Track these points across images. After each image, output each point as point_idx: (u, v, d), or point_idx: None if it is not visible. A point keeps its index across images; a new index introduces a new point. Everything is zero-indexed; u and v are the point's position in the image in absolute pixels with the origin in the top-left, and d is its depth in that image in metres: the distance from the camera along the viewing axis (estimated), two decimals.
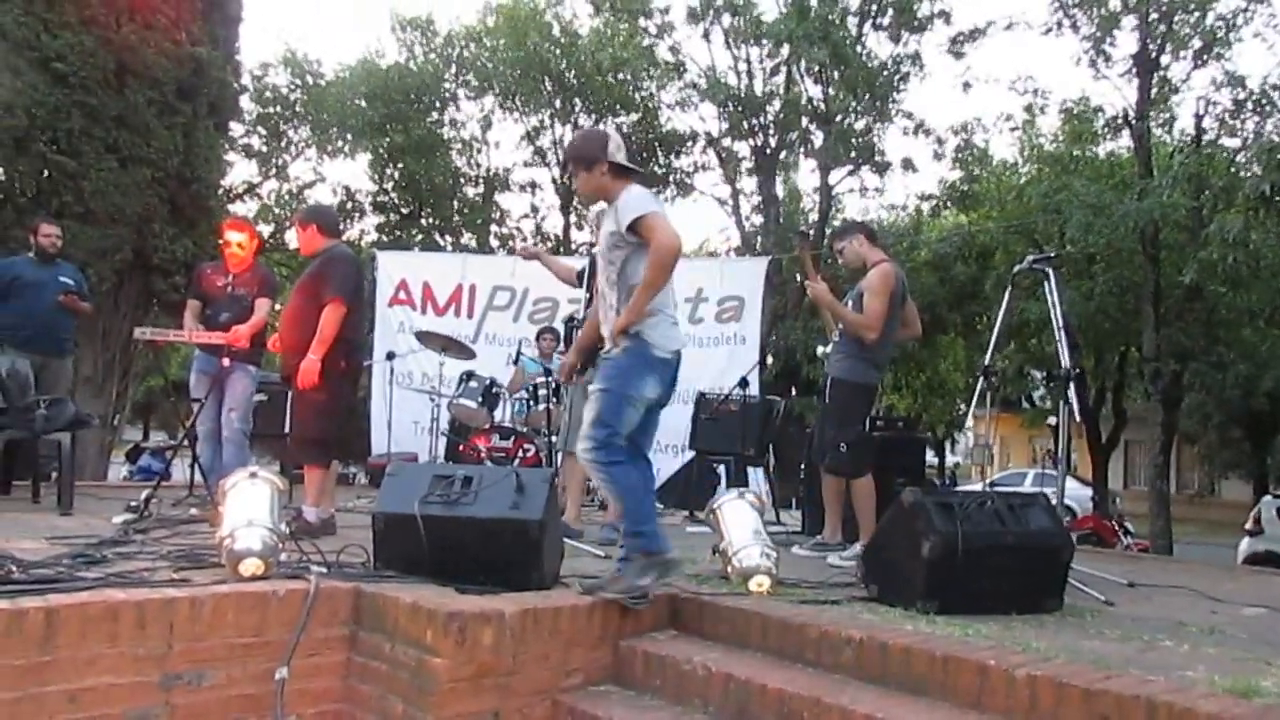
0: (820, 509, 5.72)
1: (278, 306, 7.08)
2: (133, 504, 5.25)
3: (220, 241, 6.14)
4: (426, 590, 3.39)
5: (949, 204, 17.65)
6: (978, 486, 18.25)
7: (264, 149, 20.08)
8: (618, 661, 3.38)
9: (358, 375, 5.37)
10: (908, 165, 16.97)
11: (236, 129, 17.59)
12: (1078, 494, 21.69)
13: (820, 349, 5.68)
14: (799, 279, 6.21)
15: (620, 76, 17.58)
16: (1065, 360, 4.70)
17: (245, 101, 17.81)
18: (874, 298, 4.97)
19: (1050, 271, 4.90)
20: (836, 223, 16.74)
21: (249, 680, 3.18)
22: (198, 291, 6.04)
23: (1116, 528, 16.34)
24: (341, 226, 21.38)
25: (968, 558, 3.55)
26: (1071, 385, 4.63)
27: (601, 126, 13.69)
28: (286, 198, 20.48)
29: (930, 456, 35.60)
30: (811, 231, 15.28)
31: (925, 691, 2.76)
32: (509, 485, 3.77)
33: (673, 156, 20.24)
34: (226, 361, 5.56)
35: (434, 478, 3.87)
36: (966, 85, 15.38)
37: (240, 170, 20.51)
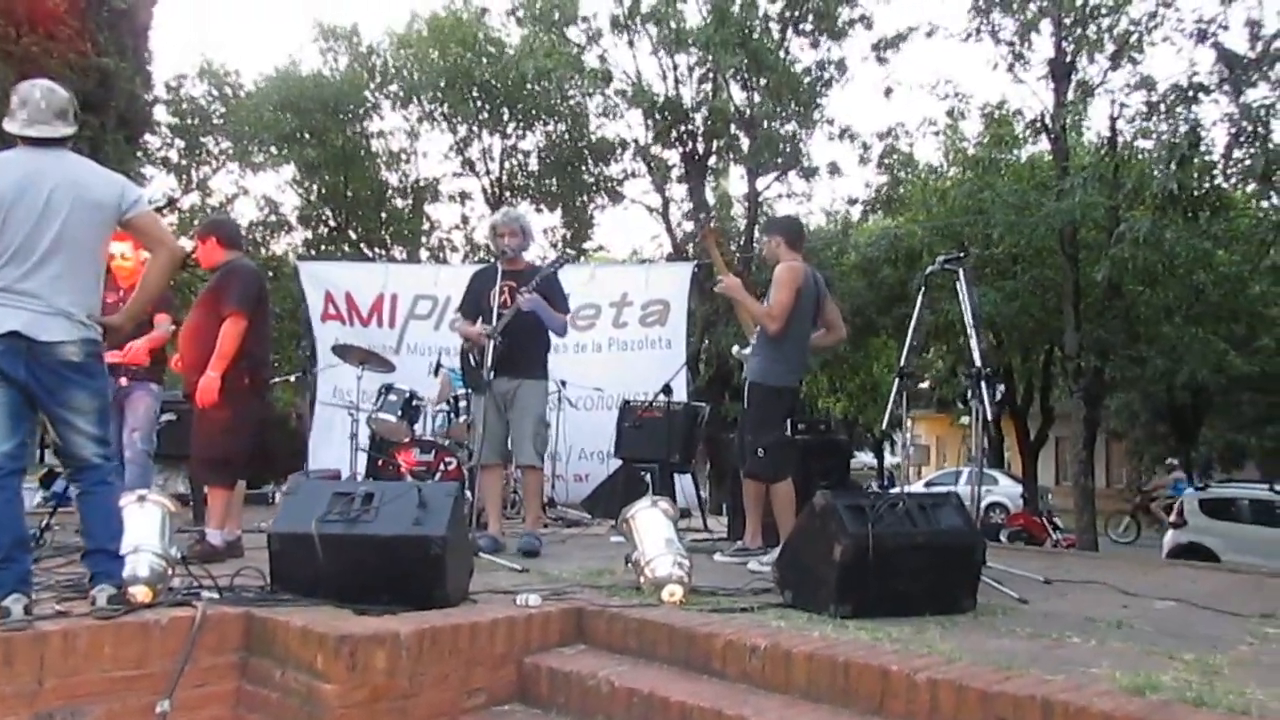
0: (743, 515, 5.68)
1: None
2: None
3: None
4: (321, 613, 3.26)
5: (876, 208, 17.85)
6: (916, 487, 18.47)
7: (182, 162, 19.58)
8: (522, 679, 3.28)
9: (264, 391, 5.18)
10: (834, 170, 17.11)
11: (152, 141, 17.16)
12: (1011, 491, 22.14)
13: (736, 349, 5.64)
14: (709, 284, 6.18)
15: (546, 85, 17.48)
16: (976, 359, 4.72)
17: (160, 113, 17.37)
18: (779, 290, 4.92)
19: (961, 272, 4.92)
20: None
21: (130, 715, 3.02)
22: None
23: (1046, 524, 16.68)
24: (268, 241, 21.23)
25: (880, 559, 3.52)
26: (982, 383, 4.64)
27: None
28: (208, 212, 19.97)
29: (869, 458, 36.07)
30: (714, 219, 15.30)
31: (828, 699, 2.71)
32: (411, 501, 3.66)
33: (602, 165, 20.21)
34: (124, 381, 5.34)
35: (334, 495, 3.74)
36: (889, 90, 15.52)
37: (160, 184, 20.00)
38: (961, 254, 5.32)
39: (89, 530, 3.33)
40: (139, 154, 14.29)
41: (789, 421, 5.33)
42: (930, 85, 15.51)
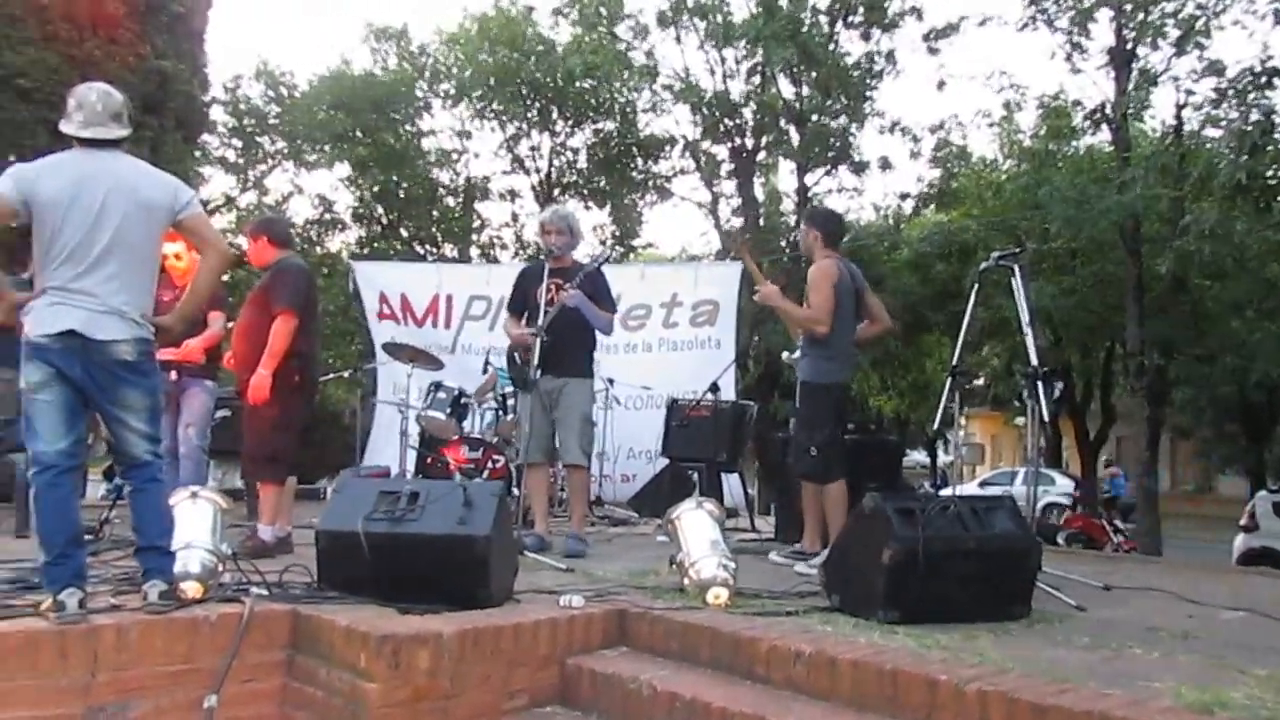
0: (792, 515, 5.62)
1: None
2: (88, 525, 5.11)
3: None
4: (366, 611, 3.27)
5: (928, 202, 17.60)
6: (969, 487, 18.12)
7: (239, 161, 19.95)
8: (564, 681, 3.26)
9: (313, 389, 5.23)
10: (885, 164, 16.93)
11: (210, 141, 17.50)
12: (1070, 492, 21.63)
13: (786, 355, 5.58)
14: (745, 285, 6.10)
15: (593, 82, 17.50)
16: (1033, 357, 4.61)
17: (218, 113, 17.71)
18: (815, 292, 4.92)
19: (1016, 268, 4.81)
20: None
21: (177, 710, 3.05)
22: None
23: (1106, 526, 16.27)
24: (322, 239, 21.55)
25: (929, 565, 3.44)
26: (1039, 382, 4.53)
27: None
28: (264, 210, 20.32)
29: (923, 457, 35.59)
30: (749, 231, 15.20)
31: (874, 708, 2.65)
32: (456, 500, 3.65)
33: (651, 161, 20.17)
34: (174, 376, 5.42)
35: (380, 494, 3.75)
36: (941, 83, 15.29)
37: (218, 183, 20.40)
38: (1018, 249, 5.21)
39: (141, 527, 3.38)
40: (197, 154, 14.56)
41: (840, 420, 5.27)
42: (984, 77, 15.24)
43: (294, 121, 19.17)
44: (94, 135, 3.34)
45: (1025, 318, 4.71)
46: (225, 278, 7.79)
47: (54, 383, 3.17)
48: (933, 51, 15.75)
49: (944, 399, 5.06)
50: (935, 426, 5.16)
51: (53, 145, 3.45)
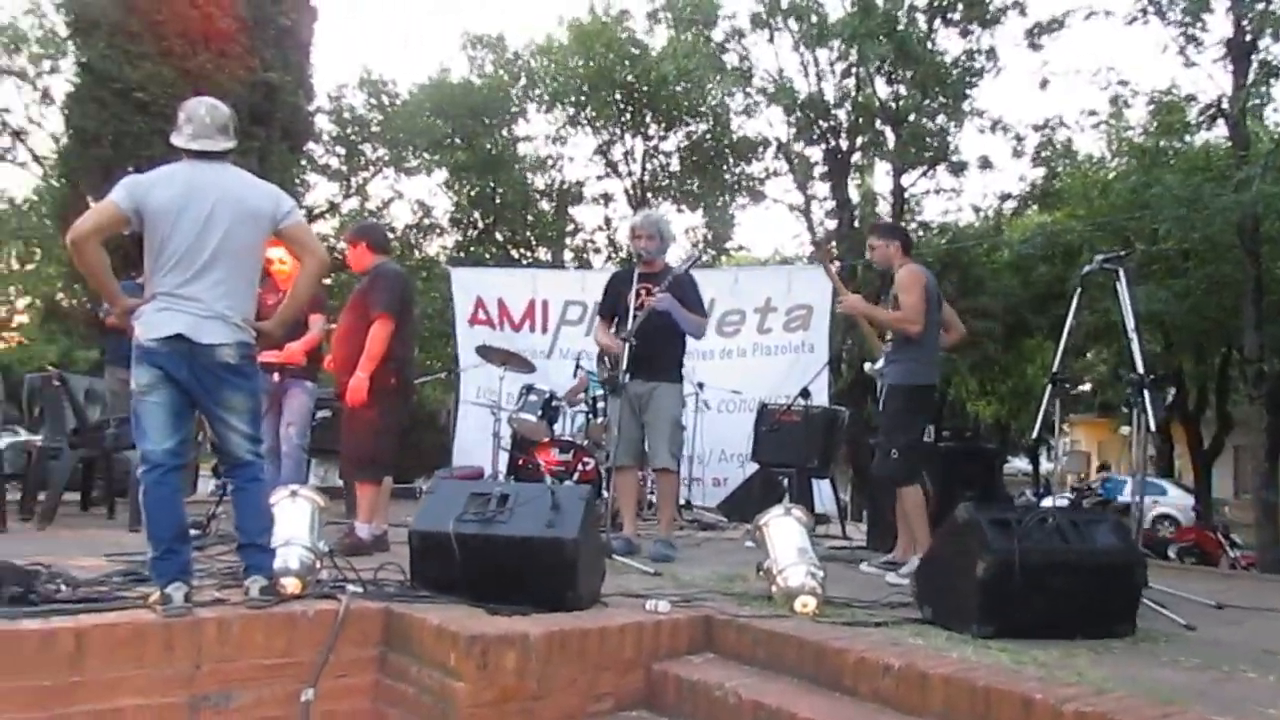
0: (884, 522, 5.53)
1: None
2: (195, 521, 5.33)
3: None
4: (456, 611, 3.33)
5: (1030, 203, 17.07)
6: (1070, 497, 17.49)
7: (343, 168, 20.57)
8: (650, 686, 3.26)
9: (409, 392, 5.36)
10: (985, 164, 16.49)
11: (315, 150, 18.09)
12: (1182, 503, 20.68)
13: (868, 365, 5.51)
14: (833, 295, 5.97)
15: (687, 85, 17.51)
16: (1138, 364, 4.43)
17: (322, 122, 18.30)
18: (908, 293, 4.89)
19: (1121, 271, 4.63)
20: (913, 226, 16.36)
21: (277, 702, 3.15)
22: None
23: (1221, 540, 15.49)
24: (420, 243, 22.06)
25: (1026, 578, 3.33)
26: (1145, 391, 4.35)
27: None
28: (366, 216, 20.92)
29: (1025, 464, 34.50)
30: (833, 241, 14.94)
31: None
32: (545, 503, 3.69)
33: (743, 163, 20.08)
34: (277, 377, 5.61)
35: (471, 495, 3.81)
36: (1045, 81, 14.80)
37: (322, 190, 21.07)
38: (1123, 252, 5.03)
39: (242, 524, 3.51)
40: (302, 162, 15.07)
41: (928, 425, 5.20)
42: (1091, 73, 14.67)
43: (395, 129, 19.68)
44: (202, 147, 3.48)
45: (1130, 322, 4.54)
46: (327, 281, 8.10)
47: (162, 385, 3.31)
48: (1035, 48, 15.26)
49: (1044, 405, 4.91)
50: (1035, 434, 4.99)
51: (167, 156, 3.60)
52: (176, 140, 3.53)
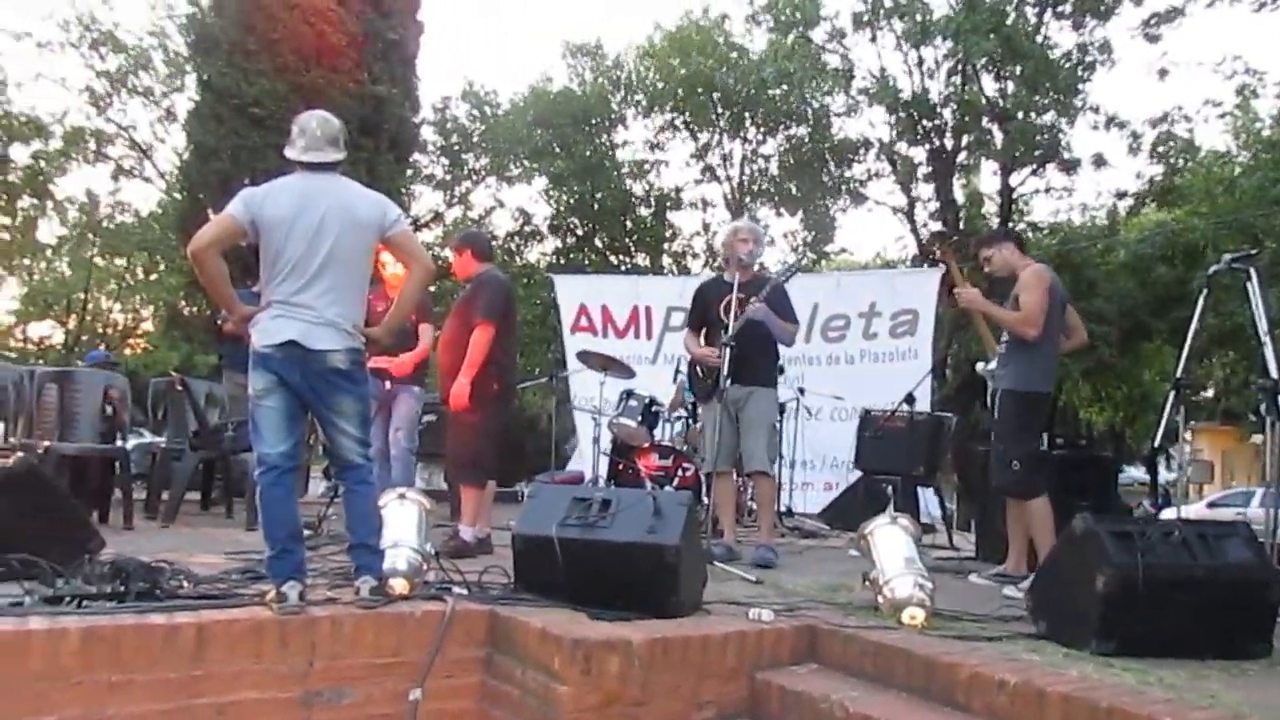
0: (993, 532, 5.35)
1: None
2: (308, 521, 5.50)
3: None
4: (559, 615, 3.34)
5: (1148, 201, 16.34)
6: (1196, 508, 16.60)
7: (446, 178, 21.07)
8: (753, 695, 3.21)
9: (511, 397, 5.43)
10: (1099, 162, 15.86)
11: (420, 160, 18.57)
12: None
13: (981, 366, 5.32)
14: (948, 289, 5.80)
15: (786, 88, 17.36)
16: (1272, 369, 4.18)
17: (428, 133, 18.77)
18: (1029, 293, 4.67)
19: (1253, 271, 4.38)
20: (1021, 226, 15.85)
21: (386, 700, 3.21)
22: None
23: None
24: (521, 250, 22.44)
25: (1150, 594, 3.16)
26: (1279, 398, 4.10)
27: None
28: (469, 224, 21.37)
29: (1141, 474, 33.09)
30: (956, 234, 14.52)
31: None
32: (646, 509, 3.68)
33: (844, 166, 19.81)
34: (388, 385, 5.75)
35: (573, 500, 3.82)
36: (1163, 72, 14.18)
37: (427, 199, 21.61)
38: (1253, 250, 4.75)
39: (352, 525, 3.60)
40: (408, 172, 15.47)
41: (1045, 432, 5.00)
42: (1215, 63, 14.00)
43: (497, 138, 20.07)
44: (313, 159, 3.59)
45: (1263, 325, 4.28)
46: (432, 289, 8.30)
47: (276, 389, 3.42)
48: (1152, 39, 14.64)
49: (1166, 412, 4.68)
50: (1157, 442, 4.74)
51: (282, 168, 3.73)
52: (290, 153, 3.65)
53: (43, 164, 19.89)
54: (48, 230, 22.15)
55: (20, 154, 20.00)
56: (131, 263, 23.62)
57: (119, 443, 6.14)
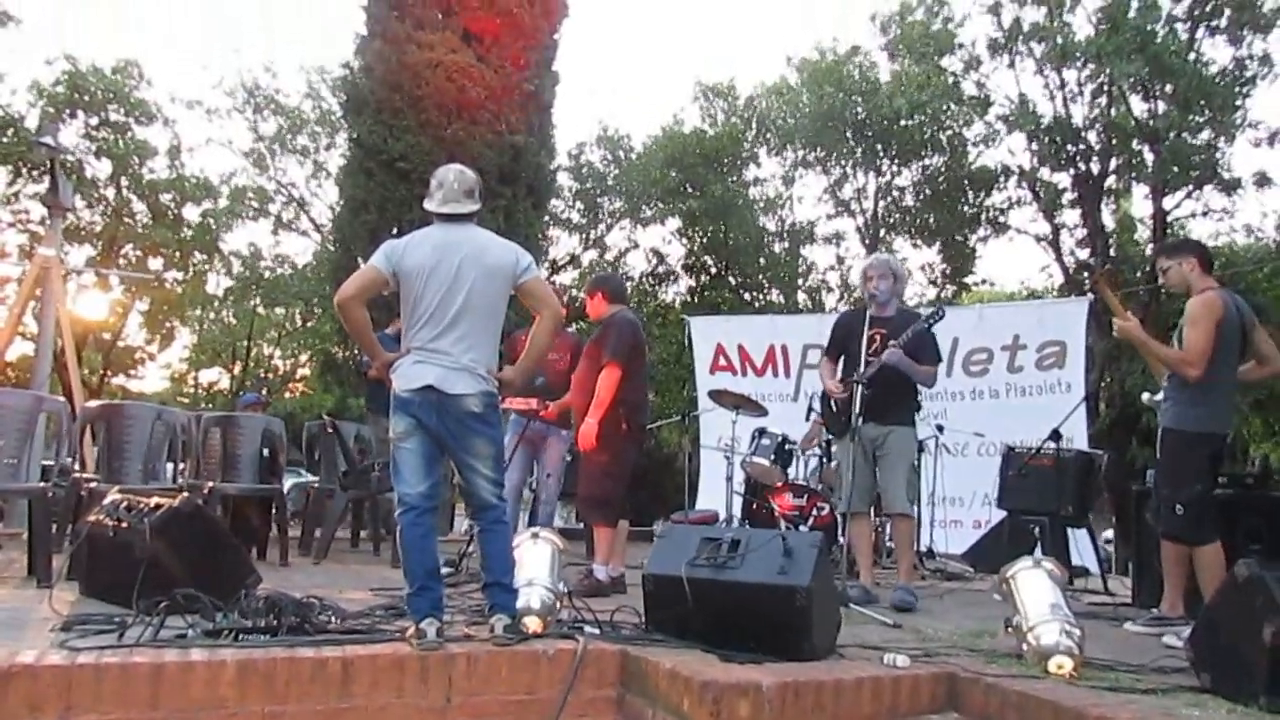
0: (1152, 576, 5.03)
1: None
2: (449, 559, 5.67)
3: None
4: (689, 656, 3.33)
5: None
6: None
7: (582, 222, 21.56)
8: None
9: (640, 436, 5.48)
10: (1262, 180, 14.89)
11: (557, 205, 19.08)
12: None
13: (1147, 396, 5.00)
14: (1106, 317, 5.50)
15: (920, 118, 17.05)
16: None
17: (564, 179, 19.29)
18: (1194, 328, 4.32)
19: None
20: None
21: None
22: (509, 356, 6.46)
23: None
24: (656, 290, 22.68)
25: None
26: None
27: None
28: (605, 266, 21.77)
29: None
30: (1108, 262, 13.80)
31: None
32: (776, 549, 3.64)
33: (983, 194, 19.26)
34: (539, 426, 5.87)
35: (703, 540, 3.82)
36: None
37: (563, 243, 22.17)
38: None
39: (487, 564, 3.69)
40: (545, 218, 15.92)
41: (1214, 474, 4.63)
42: None
43: (630, 180, 20.44)
44: (450, 210, 3.76)
45: None
46: (571, 330, 8.48)
47: (416, 432, 3.57)
48: None
49: None
50: None
51: (426, 219, 3.91)
52: (429, 205, 3.82)
53: (211, 221, 21.39)
54: (215, 282, 23.77)
55: (191, 213, 21.60)
56: (289, 311, 25.05)
57: (276, 484, 6.51)
